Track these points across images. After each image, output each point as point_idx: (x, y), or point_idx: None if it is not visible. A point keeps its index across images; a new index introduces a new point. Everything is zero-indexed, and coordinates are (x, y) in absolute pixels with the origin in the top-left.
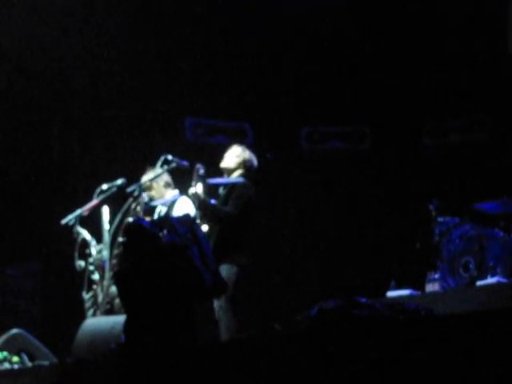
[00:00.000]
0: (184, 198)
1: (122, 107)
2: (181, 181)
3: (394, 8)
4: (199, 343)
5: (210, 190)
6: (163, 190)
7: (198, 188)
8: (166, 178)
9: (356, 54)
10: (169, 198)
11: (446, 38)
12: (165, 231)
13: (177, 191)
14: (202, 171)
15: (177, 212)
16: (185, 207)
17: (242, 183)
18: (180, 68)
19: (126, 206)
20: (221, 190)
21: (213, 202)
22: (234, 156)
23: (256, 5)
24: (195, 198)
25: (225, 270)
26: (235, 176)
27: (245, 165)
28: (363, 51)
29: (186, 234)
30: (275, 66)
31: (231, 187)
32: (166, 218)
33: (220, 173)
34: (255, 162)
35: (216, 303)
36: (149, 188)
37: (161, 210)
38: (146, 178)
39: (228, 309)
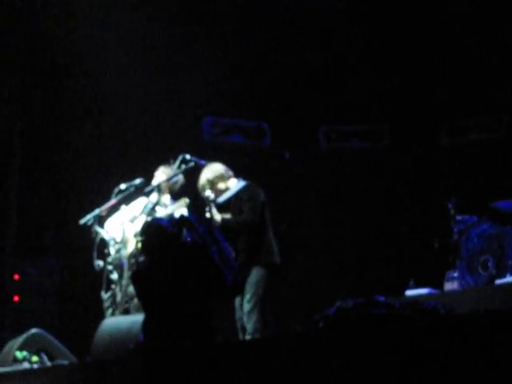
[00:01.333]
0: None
1: (141, 106)
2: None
3: (413, 6)
4: (217, 342)
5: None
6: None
7: (214, 213)
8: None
9: (374, 52)
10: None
11: (464, 37)
12: (184, 230)
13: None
14: (212, 196)
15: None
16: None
17: (245, 186)
18: (197, 67)
19: (144, 206)
20: (227, 201)
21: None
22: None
23: (272, 3)
24: (216, 223)
25: (256, 272)
26: (233, 183)
27: (221, 178)
28: (381, 50)
29: (204, 233)
30: (292, 65)
31: (236, 195)
32: (185, 218)
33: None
34: (226, 171)
35: (238, 302)
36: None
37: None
38: (160, 176)
39: (258, 309)
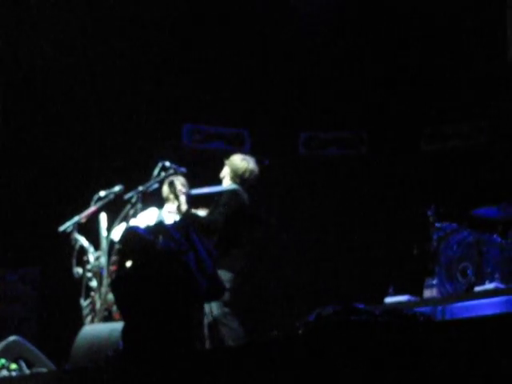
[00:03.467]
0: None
1: (120, 113)
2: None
3: (393, 14)
4: (196, 349)
5: (193, 201)
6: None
7: (182, 199)
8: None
9: (353, 59)
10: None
11: (445, 44)
12: (160, 237)
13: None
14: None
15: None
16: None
17: (229, 190)
18: (178, 74)
19: (123, 213)
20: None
21: (200, 213)
22: (226, 164)
23: (255, 11)
24: (178, 211)
25: (223, 276)
26: (225, 183)
27: (236, 173)
28: (361, 56)
29: (181, 240)
30: (273, 72)
31: (219, 196)
32: (161, 224)
33: (218, 180)
34: (252, 173)
35: (208, 308)
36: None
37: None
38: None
39: (226, 313)
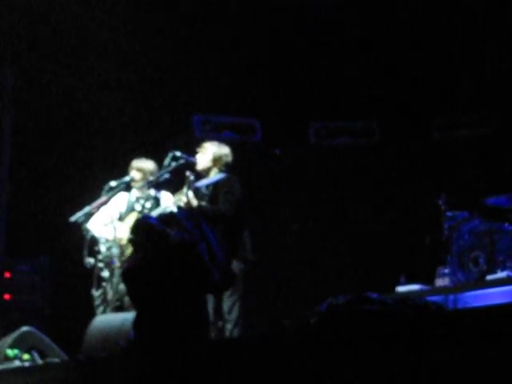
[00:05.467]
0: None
1: (131, 104)
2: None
3: (402, 5)
4: (209, 339)
5: (199, 194)
6: None
7: (190, 195)
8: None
9: (363, 49)
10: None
11: (456, 34)
12: (173, 228)
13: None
14: (192, 177)
15: (163, 205)
16: (169, 201)
17: (225, 178)
18: (188, 65)
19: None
20: (203, 190)
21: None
22: (203, 154)
23: (263, 3)
24: (189, 205)
25: (234, 267)
26: (213, 174)
27: (220, 160)
28: (371, 46)
29: (193, 230)
30: (283, 62)
31: (214, 186)
32: (173, 215)
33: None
34: (230, 156)
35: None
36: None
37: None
38: (145, 165)
39: (238, 305)
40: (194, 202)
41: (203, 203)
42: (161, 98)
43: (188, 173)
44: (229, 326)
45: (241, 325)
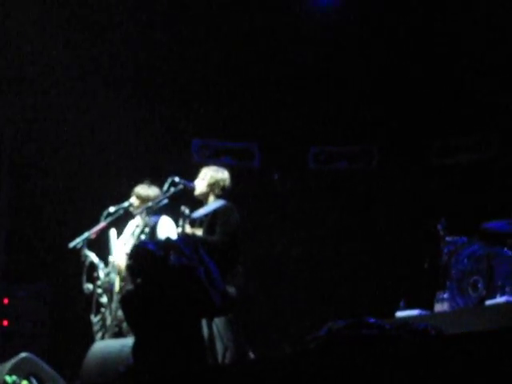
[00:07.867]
0: (166, 217)
1: (130, 129)
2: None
3: (401, 26)
4: (207, 365)
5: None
6: None
7: (187, 229)
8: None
9: (363, 73)
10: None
11: (454, 57)
12: (171, 253)
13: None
14: (187, 211)
15: (160, 232)
16: (167, 227)
17: (222, 207)
18: (187, 89)
19: (133, 229)
20: (203, 217)
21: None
22: (201, 180)
23: (262, 24)
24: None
25: None
26: (211, 201)
27: (216, 185)
28: (369, 70)
29: (191, 255)
30: (282, 87)
31: (213, 214)
32: (171, 240)
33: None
34: (228, 180)
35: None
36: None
37: (134, 230)
38: (144, 192)
39: (229, 330)
40: (189, 230)
41: (199, 233)
42: (159, 122)
43: (183, 207)
44: (220, 351)
45: (232, 350)
